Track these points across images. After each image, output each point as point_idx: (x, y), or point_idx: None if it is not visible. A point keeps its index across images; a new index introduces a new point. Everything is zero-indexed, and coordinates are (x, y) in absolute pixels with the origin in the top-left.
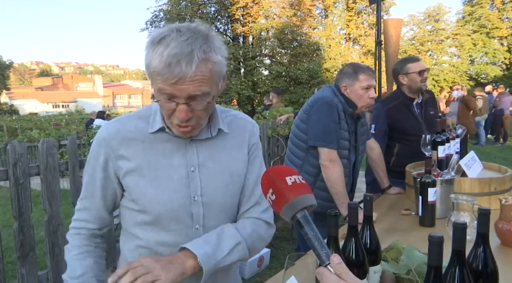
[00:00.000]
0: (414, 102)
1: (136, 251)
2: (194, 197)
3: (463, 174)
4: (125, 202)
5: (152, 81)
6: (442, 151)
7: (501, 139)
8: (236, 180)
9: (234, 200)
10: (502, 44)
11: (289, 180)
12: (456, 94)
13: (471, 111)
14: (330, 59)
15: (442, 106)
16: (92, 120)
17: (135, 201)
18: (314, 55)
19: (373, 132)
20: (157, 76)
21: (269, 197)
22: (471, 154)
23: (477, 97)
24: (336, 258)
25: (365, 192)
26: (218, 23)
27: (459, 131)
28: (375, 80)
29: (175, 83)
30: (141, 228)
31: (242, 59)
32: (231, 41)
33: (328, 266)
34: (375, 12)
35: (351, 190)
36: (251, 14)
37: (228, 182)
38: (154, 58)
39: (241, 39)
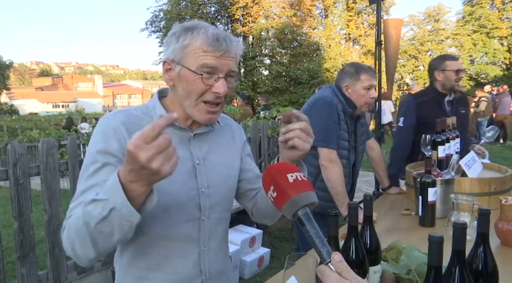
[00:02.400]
0: (446, 100)
1: (138, 246)
2: (201, 189)
3: (463, 174)
4: None
5: (190, 61)
6: (442, 151)
7: (501, 139)
8: (233, 173)
9: (233, 192)
10: (502, 44)
11: (291, 177)
12: None
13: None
14: (330, 59)
15: None
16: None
17: None
18: (314, 55)
19: (401, 125)
20: (202, 52)
21: (270, 194)
22: (471, 154)
23: (481, 99)
24: (337, 256)
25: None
26: (218, 23)
27: (491, 133)
28: (375, 80)
29: (221, 56)
30: (144, 223)
31: (242, 59)
32: None
33: (329, 264)
34: (375, 12)
35: (350, 190)
36: (251, 14)
37: (227, 175)
38: (196, 38)
39: (241, 39)
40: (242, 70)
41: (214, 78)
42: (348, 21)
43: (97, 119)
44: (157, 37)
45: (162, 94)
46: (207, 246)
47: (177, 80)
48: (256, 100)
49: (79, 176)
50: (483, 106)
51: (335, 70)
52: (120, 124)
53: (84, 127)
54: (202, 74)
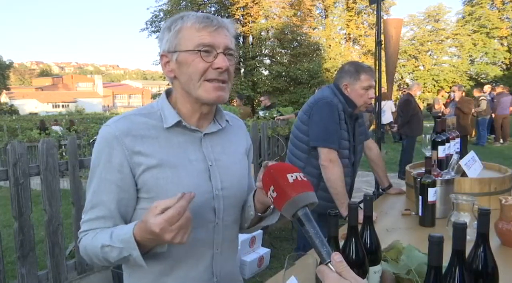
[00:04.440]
0: None
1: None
2: (216, 192)
3: (463, 174)
4: (141, 204)
5: (186, 44)
6: (442, 151)
7: (501, 139)
8: (244, 173)
9: (245, 194)
10: (502, 44)
11: (291, 177)
12: (453, 95)
13: (473, 112)
14: (330, 59)
15: (438, 106)
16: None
17: (153, 199)
18: (314, 55)
19: None
20: (196, 32)
21: (270, 194)
22: (471, 154)
23: (481, 98)
24: (337, 256)
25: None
26: None
27: None
28: (375, 80)
29: (214, 31)
30: None
31: (242, 59)
32: None
33: (329, 264)
34: (375, 12)
35: (350, 190)
36: (251, 14)
37: (240, 176)
38: (186, 21)
39: (241, 39)
40: (242, 70)
41: (213, 55)
42: (348, 21)
43: (72, 121)
44: (157, 37)
45: (168, 94)
46: (220, 249)
47: (177, 69)
48: (256, 100)
49: (88, 180)
50: (484, 105)
51: (335, 70)
52: (124, 133)
53: (56, 129)
54: (200, 51)
